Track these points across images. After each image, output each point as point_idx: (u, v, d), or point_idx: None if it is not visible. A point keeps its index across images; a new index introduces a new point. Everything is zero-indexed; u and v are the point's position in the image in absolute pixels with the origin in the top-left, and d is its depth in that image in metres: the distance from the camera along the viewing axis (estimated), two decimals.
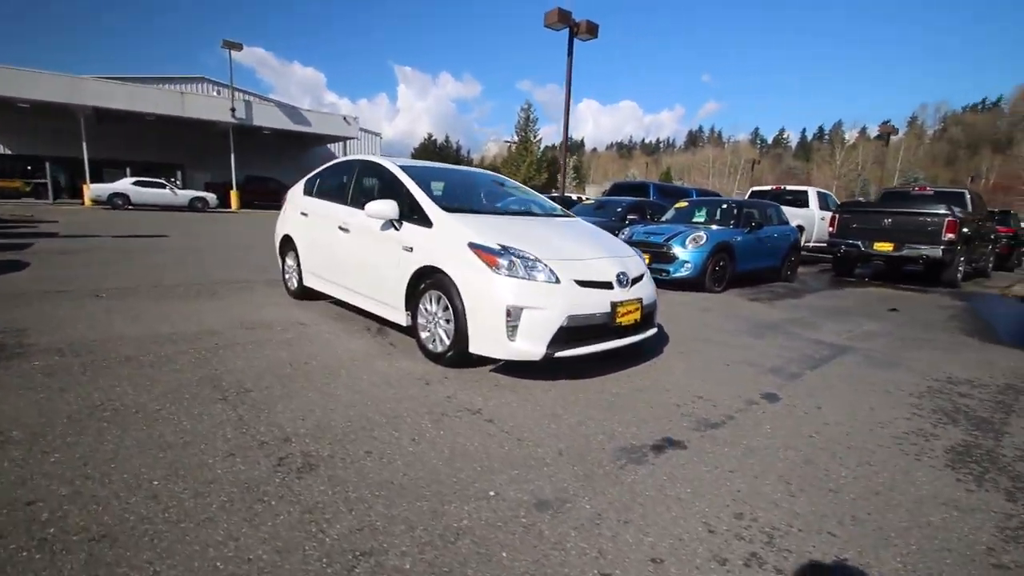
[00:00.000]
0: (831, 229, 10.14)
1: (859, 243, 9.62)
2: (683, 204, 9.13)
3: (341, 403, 2.77)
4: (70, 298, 4.80)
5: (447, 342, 3.39)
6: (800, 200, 12.74)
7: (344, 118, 29.29)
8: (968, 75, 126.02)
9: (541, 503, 1.95)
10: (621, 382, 3.35)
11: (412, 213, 3.78)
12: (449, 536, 1.72)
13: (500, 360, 3.35)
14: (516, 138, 52.37)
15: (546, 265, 3.19)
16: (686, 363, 3.86)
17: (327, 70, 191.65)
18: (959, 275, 9.39)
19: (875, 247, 9.42)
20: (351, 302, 4.44)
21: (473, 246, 3.28)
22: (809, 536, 1.84)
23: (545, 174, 52.50)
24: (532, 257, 3.20)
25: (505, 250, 3.21)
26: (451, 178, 4.61)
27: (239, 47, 23.29)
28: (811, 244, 12.37)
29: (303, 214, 5.13)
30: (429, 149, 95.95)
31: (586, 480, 2.13)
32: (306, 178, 5.55)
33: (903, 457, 2.53)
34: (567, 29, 15.29)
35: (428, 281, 3.52)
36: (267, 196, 27.73)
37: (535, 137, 51.97)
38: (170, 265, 7.11)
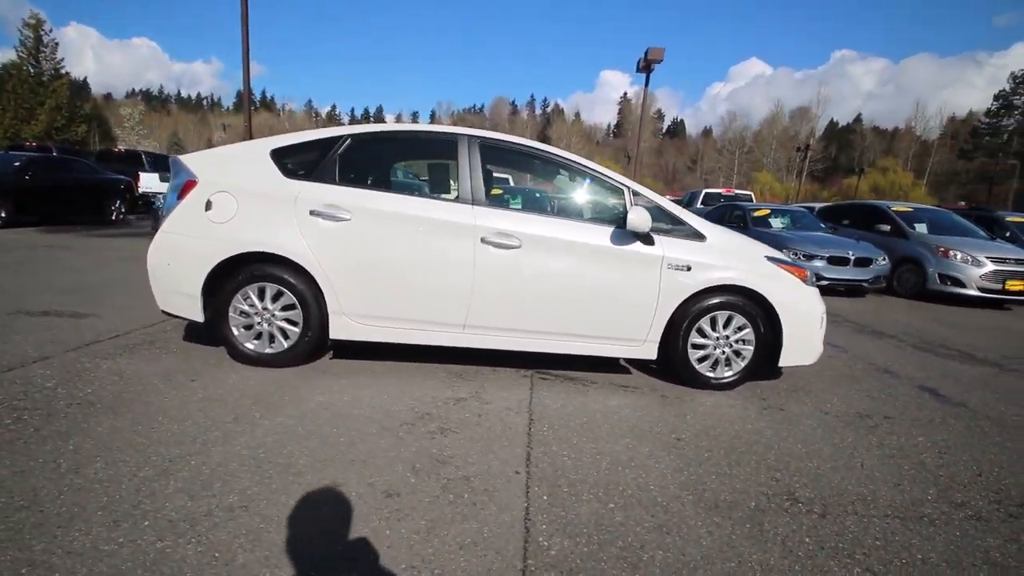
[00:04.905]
0: None
1: None
2: (496, 191, 9.51)
3: (858, 470, 2.39)
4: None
5: (741, 364, 3.17)
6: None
7: None
8: (468, 82, 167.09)
9: None
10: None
11: (663, 223, 3.10)
12: None
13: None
14: (17, 65, 34.08)
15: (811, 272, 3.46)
16: None
17: None
18: None
19: None
20: (509, 349, 3.07)
21: (773, 260, 3.17)
22: None
23: (83, 126, 37.01)
24: (807, 265, 3.40)
25: (798, 260, 3.27)
26: None
27: None
28: None
29: (322, 214, 2.89)
30: None
31: None
32: (273, 147, 3.07)
33: None
34: None
35: (714, 301, 3.08)
36: None
37: (62, 70, 35.06)
38: None
